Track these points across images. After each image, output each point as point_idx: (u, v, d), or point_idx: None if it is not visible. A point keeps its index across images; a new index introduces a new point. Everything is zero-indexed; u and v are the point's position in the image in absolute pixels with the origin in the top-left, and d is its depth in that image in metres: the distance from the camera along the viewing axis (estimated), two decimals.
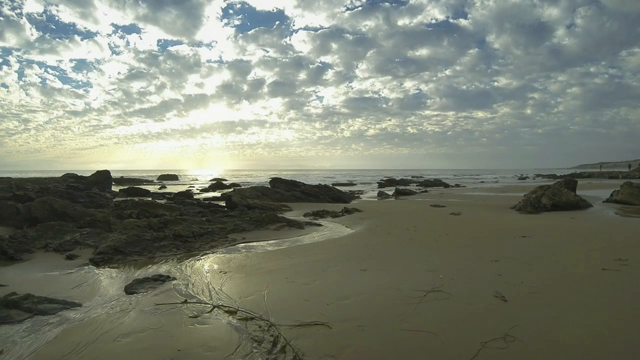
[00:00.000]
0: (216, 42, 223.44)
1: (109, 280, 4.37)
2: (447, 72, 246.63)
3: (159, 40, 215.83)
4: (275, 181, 17.55)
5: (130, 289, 3.94)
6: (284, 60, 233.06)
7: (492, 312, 3.14)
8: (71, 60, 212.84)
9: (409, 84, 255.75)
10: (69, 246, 5.89)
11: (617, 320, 2.94)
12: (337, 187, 19.32)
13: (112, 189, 21.24)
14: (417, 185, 28.11)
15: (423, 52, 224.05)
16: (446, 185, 28.15)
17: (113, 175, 24.45)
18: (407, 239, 6.58)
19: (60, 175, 24.49)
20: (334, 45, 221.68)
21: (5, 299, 3.38)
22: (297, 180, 18.02)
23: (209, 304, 3.49)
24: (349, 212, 10.89)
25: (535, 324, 2.88)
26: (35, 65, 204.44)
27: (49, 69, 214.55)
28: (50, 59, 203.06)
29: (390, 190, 21.49)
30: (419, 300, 3.45)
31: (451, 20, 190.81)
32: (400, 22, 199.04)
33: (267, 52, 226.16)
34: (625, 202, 12.02)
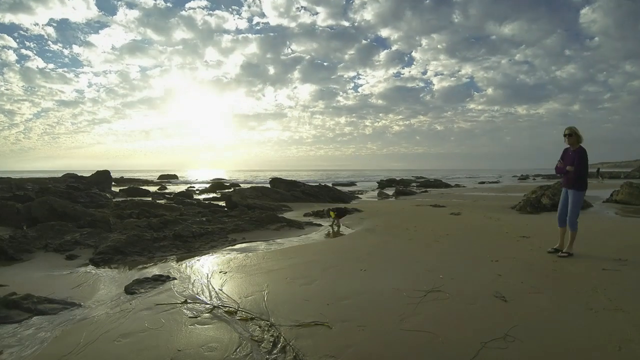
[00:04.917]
0: None
1: (109, 281, 4.37)
2: (518, 56, 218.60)
3: None
4: (275, 181, 17.55)
5: (130, 289, 3.94)
6: (331, 30, 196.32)
7: (492, 312, 3.14)
8: (50, 24, 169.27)
9: (467, 70, 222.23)
10: (69, 246, 5.89)
11: (617, 320, 2.94)
12: (337, 187, 19.33)
13: (112, 189, 21.25)
14: (417, 186, 28.11)
15: (508, 28, 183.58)
16: (447, 186, 28.18)
17: (113, 175, 24.49)
18: (407, 239, 6.58)
19: (59, 175, 24.54)
20: (408, 13, 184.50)
21: (5, 299, 3.38)
22: (297, 180, 18.03)
23: (208, 304, 3.49)
24: (349, 212, 10.87)
25: (536, 324, 2.88)
26: (5, 35, 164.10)
27: (25, 41, 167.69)
28: (24, 21, 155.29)
29: (390, 191, 21.51)
30: (419, 300, 3.44)
31: None
32: None
33: (317, 13, 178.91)
34: (625, 202, 12.04)
